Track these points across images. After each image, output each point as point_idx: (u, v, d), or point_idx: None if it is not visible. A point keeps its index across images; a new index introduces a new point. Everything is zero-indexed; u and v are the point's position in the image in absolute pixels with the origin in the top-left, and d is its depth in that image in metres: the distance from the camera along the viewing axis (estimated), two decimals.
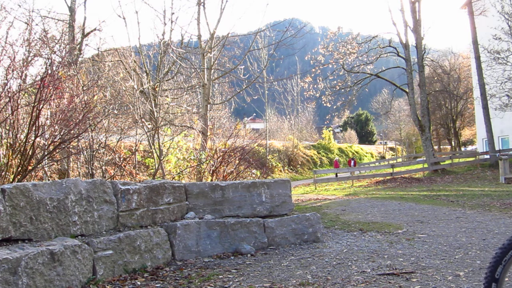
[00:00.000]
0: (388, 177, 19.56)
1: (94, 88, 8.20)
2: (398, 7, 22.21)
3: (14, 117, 5.13)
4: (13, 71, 5.40)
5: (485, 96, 19.00)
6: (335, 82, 23.83)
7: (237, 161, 8.88)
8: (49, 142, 5.46)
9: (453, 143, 37.81)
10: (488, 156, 20.36)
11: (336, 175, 24.37)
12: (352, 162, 29.53)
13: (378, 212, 8.17)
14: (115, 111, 9.55)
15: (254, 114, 52.43)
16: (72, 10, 12.92)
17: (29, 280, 2.78)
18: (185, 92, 14.44)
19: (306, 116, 51.44)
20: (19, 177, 4.95)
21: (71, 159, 7.44)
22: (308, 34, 21.65)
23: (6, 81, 5.30)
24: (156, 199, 4.41)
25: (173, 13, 11.04)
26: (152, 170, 9.07)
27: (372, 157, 49.37)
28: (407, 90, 21.81)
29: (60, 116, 5.67)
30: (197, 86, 13.76)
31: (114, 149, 8.28)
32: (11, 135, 5.14)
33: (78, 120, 5.78)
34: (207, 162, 8.68)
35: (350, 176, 22.75)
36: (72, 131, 5.63)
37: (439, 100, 34.02)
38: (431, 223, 6.34)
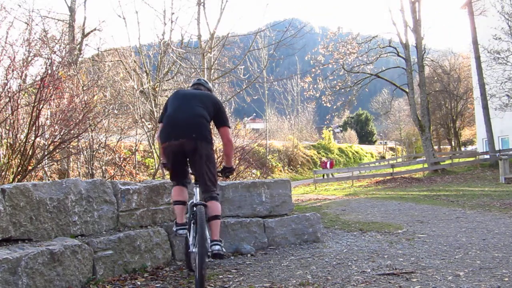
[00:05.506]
0: (388, 177, 19.55)
1: (94, 88, 8.21)
2: (398, 7, 22.20)
3: (14, 117, 5.14)
4: (13, 71, 5.40)
5: (485, 96, 18.99)
6: (335, 82, 23.83)
7: (237, 161, 8.88)
8: (49, 142, 5.47)
9: (453, 143, 37.79)
10: (488, 156, 20.35)
11: (329, 175, 24.77)
12: (329, 163, 28.76)
13: (378, 212, 8.16)
14: (115, 111, 9.55)
15: (254, 114, 52.42)
16: (72, 10, 12.95)
17: (29, 280, 2.78)
18: None
19: (306, 116, 51.42)
20: (19, 177, 4.95)
21: (71, 159, 7.45)
22: (308, 34, 21.61)
23: (6, 81, 5.30)
24: (156, 199, 4.41)
25: (173, 13, 11.05)
26: (152, 170, 9.08)
27: (372, 157, 49.35)
28: (407, 90, 21.81)
29: (60, 116, 5.68)
30: None
31: (114, 149, 8.29)
32: (11, 135, 5.14)
33: (78, 120, 5.78)
34: None
35: (332, 177, 23.14)
36: (72, 131, 5.63)
37: (439, 100, 34.00)
38: (431, 223, 6.34)
